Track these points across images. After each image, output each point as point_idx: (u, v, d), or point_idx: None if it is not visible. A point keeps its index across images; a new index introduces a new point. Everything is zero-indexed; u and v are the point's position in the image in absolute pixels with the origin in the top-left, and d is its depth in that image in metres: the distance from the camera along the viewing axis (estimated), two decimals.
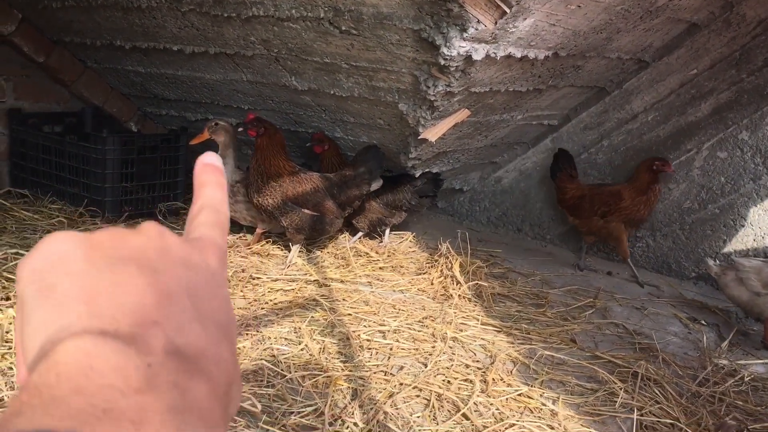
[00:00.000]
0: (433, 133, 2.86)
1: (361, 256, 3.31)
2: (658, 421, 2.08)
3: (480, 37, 2.23)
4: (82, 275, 0.34)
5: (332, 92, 2.94)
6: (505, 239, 3.94)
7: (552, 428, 1.97)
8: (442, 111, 2.73)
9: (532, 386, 2.20)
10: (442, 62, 2.30)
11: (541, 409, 2.08)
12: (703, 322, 2.98)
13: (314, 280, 2.89)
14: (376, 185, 3.17)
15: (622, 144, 3.58)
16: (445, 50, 2.24)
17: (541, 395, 2.15)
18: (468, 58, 2.32)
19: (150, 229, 0.38)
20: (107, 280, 0.34)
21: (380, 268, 3.19)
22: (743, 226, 3.25)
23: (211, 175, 0.44)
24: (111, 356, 0.31)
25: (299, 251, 3.10)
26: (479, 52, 2.30)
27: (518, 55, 2.46)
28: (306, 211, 2.99)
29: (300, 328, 2.40)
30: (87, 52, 3.64)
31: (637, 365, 2.37)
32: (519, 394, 2.14)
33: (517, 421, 1.97)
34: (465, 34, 2.17)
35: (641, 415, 2.08)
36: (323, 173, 3.16)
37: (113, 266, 0.35)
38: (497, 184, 4.04)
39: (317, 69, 2.84)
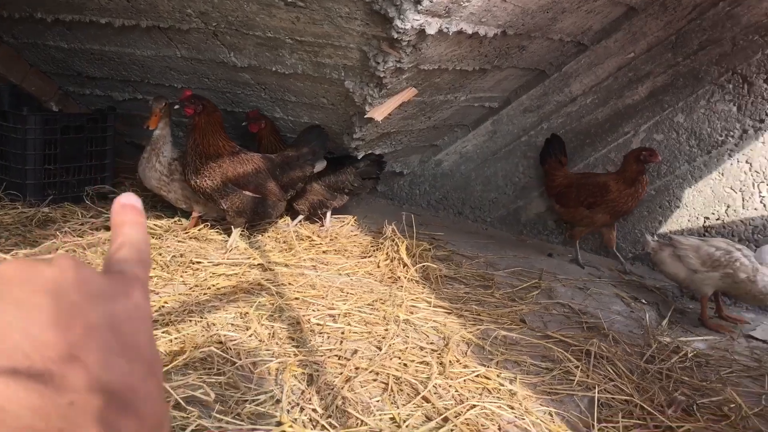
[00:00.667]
0: (379, 112, 2.78)
1: (303, 239, 3.21)
2: (613, 398, 2.09)
3: (434, 10, 2.17)
4: None
5: (274, 69, 2.82)
6: (446, 222, 3.92)
7: (512, 408, 1.94)
8: (390, 89, 2.66)
9: (488, 367, 2.16)
10: (395, 35, 2.23)
11: (499, 390, 2.05)
12: (643, 300, 3.04)
13: (258, 264, 2.78)
14: (320, 166, 3.07)
15: (562, 127, 3.61)
16: (398, 23, 2.17)
17: (498, 375, 2.12)
18: (421, 33, 2.25)
19: (64, 261, 0.35)
20: (18, 315, 0.31)
21: (324, 252, 3.10)
22: (678, 207, 3.33)
23: (131, 215, 0.42)
24: (24, 396, 0.29)
25: (240, 235, 2.97)
26: (432, 26, 2.23)
27: (469, 31, 2.42)
28: (247, 193, 2.87)
29: (247, 314, 2.29)
30: (3, 26, 3.38)
31: (589, 344, 2.38)
32: (477, 375, 2.10)
33: (478, 402, 1.93)
34: (419, 6, 2.10)
35: (598, 393, 2.08)
36: (264, 154, 3.04)
37: (25, 299, 0.32)
38: (438, 167, 4.01)
39: (259, 44, 2.71)
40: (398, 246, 3.00)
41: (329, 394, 1.87)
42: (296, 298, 2.49)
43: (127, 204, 0.43)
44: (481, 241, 3.63)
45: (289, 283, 2.63)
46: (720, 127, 3.18)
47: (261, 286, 2.55)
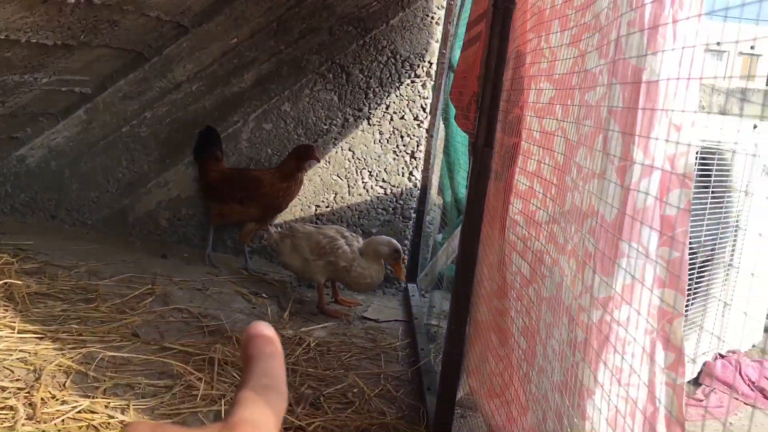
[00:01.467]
0: None
1: None
2: None
3: None
4: None
5: None
6: (37, 229, 3.31)
7: None
8: None
9: (94, 397, 1.80)
10: None
11: (108, 424, 1.71)
12: (264, 295, 2.94)
13: None
14: None
15: (168, 116, 3.32)
16: None
17: (106, 406, 1.77)
18: None
19: None
20: None
21: None
22: None
23: (272, 347, 0.39)
24: None
25: None
26: None
27: None
28: None
29: None
30: None
31: (211, 350, 2.17)
32: (78, 411, 1.72)
33: None
34: None
35: (225, 404, 1.88)
36: None
37: None
38: (21, 164, 3.37)
39: None
40: None
41: None
42: None
43: (262, 335, 0.39)
44: (83, 247, 3.14)
45: None
46: (324, 116, 3.24)
47: None
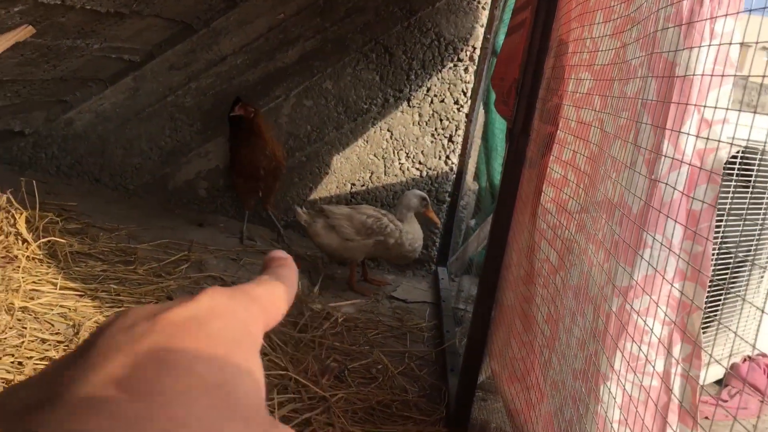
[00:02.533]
0: None
1: None
2: (269, 374, 1.96)
3: None
4: None
5: None
6: (81, 191, 3.41)
7: None
8: None
9: None
10: None
11: None
12: None
13: None
14: None
15: (212, 87, 3.38)
16: None
17: None
18: None
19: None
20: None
21: None
22: (327, 173, 3.36)
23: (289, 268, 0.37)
24: None
25: None
26: None
27: None
28: None
29: None
30: None
31: None
32: None
33: None
34: None
35: None
36: None
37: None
38: (68, 127, 3.47)
39: None
40: (15, 219, 2.48)
41: None
42: None
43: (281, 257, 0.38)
44: (124, 211, 3.23)
45: None
46: (365, 95, 3.27)
47: None
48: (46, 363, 1.71)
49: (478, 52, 3.17)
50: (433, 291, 3.12)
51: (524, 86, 1.68)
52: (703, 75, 0.80)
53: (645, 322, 0.91)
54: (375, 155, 3.29)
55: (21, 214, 2.52)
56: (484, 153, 3.54)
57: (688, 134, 0.84)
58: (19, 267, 2.25)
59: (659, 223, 0.88)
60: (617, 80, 1.18)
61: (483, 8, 3.13)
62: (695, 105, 0.83)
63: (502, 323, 1.86)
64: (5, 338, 1.81)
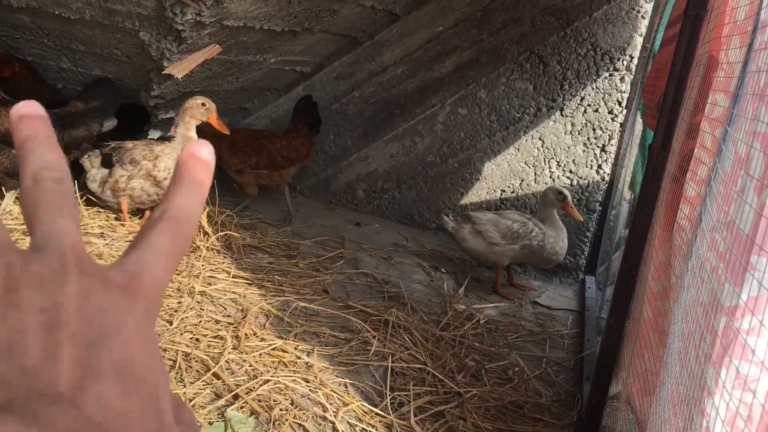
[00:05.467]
0: (179, 68, 2.58)
1: (90, 205, 2.93)
2: (408, 367, 2.12)
3: None
4: None
5: (57, 12, 2.50)
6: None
7: (307, 381, 1.90)
8: (191, 44, 2.47)
9: (286, 339, 2.10)
10: None
11: (296, 363, 1.99)
12: (442, 270, 3.13)
13: None
14: (109, 125, 2.80)
15: (373, 96, 3.60)
16: None
17: (296, 348, 2.07)
18: None
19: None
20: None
21: (116, 218, 2.85)
22: (478, 179, 3.47)
23: (194, 172, 0.33)
24: None
25: (14, 200, 2.64)
26: None
27: None
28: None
29: None
30: None
31: (387, 313, 2.40)
32: (273, 349, 2.03)
33: (272, 376, 1.86)
34: None
35: (393, 362, 2.10)
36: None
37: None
38: None
39: None
40: None
41: None
42: None
43: (200, 158, 0.34)
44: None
45: None
46: (517, 104, 3.34)
47: None
48: (218, 341, 1.97)
49: (635, 61, 3.13)
50: (579, 299, 3.13)
51: (665, 102, 1.70)
52: None
53: (748, 341, 0.95)
54: (525, 163, 3.35)
55: (203, 209, 2.87)
56: (641, 162, 3.47)
57: None
58: (200, 256, 2.58)
59: (766, 245, 0.91)
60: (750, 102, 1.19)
61: (642, 17, 3.09)
62: None
63: (636, 336, 1.88)
64: (187, 317, 2.11)
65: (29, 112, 0.32)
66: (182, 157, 0.33)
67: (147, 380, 0.28)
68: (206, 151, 0.33)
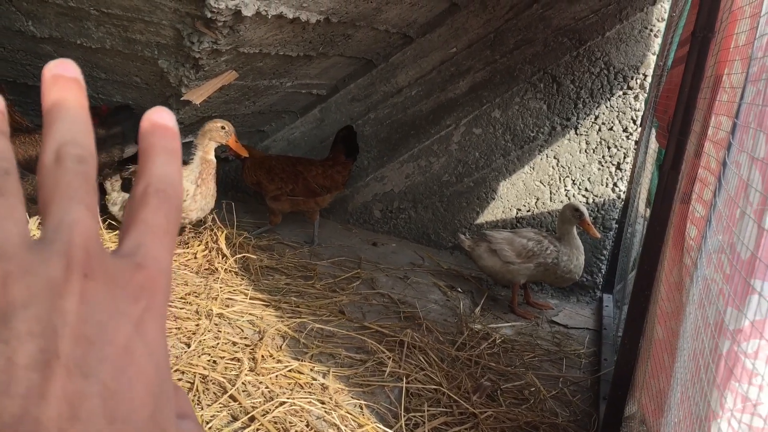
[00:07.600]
0: (197, 95, 2.64)
1: (112, 227, 3.00)
2: (423, 388, 2.13)
3: None
4: None
5: (79, 42, 2.58)
6: None
7: (323, 403, 1.92)
8: (208, 71, 2.53)
9: (302, 361, 2.13)
10: (209, 15, 2.11)
11: (311, 384, 2.02)
12: (459, 289, 3.15)
13: None
14: (130, 151, 2.87)
15: (388, 117, 3.65)
16: (211, 2, 2.05)
17: (311, 369, 2.09)
18: (237, 14, 2.15)
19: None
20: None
21: None
22: (494, 198, 3.48)
23: (164, 140, 0.31)
24: None
25: (37, 225, 2.70)
26: (249, 8, 2.14)
27: (290, 15, 2.35)
28: None
29: None
30: None
31: (403, 334, 2.42)
32: (289, 370, 2.06)
33: (288, 398, 1.89)
34: None
35: (408, 383, 2.11)
36: None
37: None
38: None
39: (60, 14, 2.47)
40: (217, 236, 2.88)
41: None
42: None
43: (160, 124, 0.31)
44: (307, 230, 3.58)
45: None
46: (532, 124, 3.36)
47: None
48: (235, 363, 2.00)
49: (649, 79, 3.14)
50: (596, 318, 3.12)
51: (674, 123, 1.71)
52: None
53: (754, 365, 0.96)
54: (541, 182, 3.37)
55: (222, 232, 2.92)
56: (657, 178, 3.47)
57: None
58: (218, 278, 2.63)
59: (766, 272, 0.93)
60: (753, 128, 1.20)
61: (655, 36, 3.10)
62: None
63: (652, 355, 1.88)
64: (204, 339, 2.15)
65: (64, 72, 0.29)
66: (145, 127, 0.31)
67: (139, 412, 0.26)
68: (168, 117, 0.32)
